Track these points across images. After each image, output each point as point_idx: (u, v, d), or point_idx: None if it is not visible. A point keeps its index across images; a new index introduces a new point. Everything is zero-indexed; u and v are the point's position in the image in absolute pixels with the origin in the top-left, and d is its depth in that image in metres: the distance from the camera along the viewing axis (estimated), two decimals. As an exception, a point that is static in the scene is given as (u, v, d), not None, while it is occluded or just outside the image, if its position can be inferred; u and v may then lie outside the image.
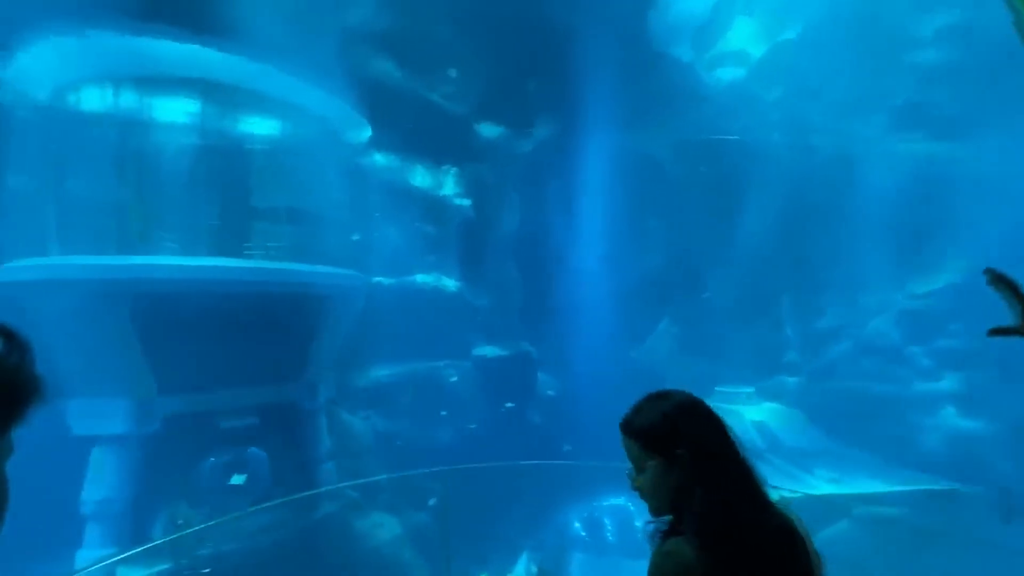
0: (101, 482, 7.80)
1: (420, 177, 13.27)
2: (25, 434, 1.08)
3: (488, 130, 13.65)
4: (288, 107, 9.53)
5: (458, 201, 13.82)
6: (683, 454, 1.42)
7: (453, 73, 12.48)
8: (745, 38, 14.46)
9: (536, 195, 14.05)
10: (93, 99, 8.27)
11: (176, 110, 8.59)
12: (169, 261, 8.32)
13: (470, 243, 13.64)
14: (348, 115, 10.39)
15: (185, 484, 8.34)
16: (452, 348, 13.15)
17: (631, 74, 12.93)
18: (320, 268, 9.61)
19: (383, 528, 9.69)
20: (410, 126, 11.83)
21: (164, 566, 7.55)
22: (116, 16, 7.33)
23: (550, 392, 14.28)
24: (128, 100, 8.32)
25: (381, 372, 12.08)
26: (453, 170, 13.58)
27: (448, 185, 13.65)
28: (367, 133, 11.21)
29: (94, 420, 7.97)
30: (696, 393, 1.54)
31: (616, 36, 12.24)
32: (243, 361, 8.80)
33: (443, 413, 12.43)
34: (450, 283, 13.67)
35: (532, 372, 14.42)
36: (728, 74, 14.42)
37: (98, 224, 8.40)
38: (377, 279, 11.90)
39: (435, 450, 11.25)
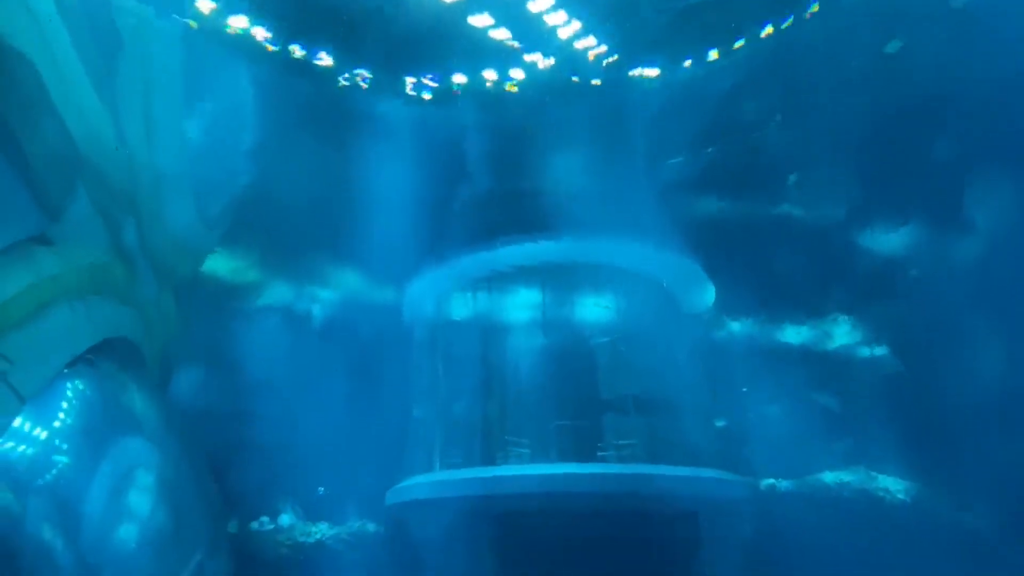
0: None
1: (791, 332, 9.68)
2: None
3: (880, 239, 9.12)
4: (623, 277, 9.10)
5: (865, 352, 9.20)
6: None
7: (793, 176, 9.86)
8: None
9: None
10: (461, 309, 9.50)
11: (522, 306, 9.18)
12: (522, 471, 7.72)
13: (910, 416, 8.42)
14: (685, 273, 9.11)
15: None
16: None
17: None
18: (680, 469, 7.38)
19: None
20: (761, 263, 9.31)
21: None
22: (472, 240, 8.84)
23: None
24: (484, 304, 9.32)
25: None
26: (842, 314, 9.48)
27: (841, 333, 9.44)
28: (711, 294, 9.41)
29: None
30: None
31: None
32: None
33: None
34: (892, 484, 8.40)
35: None
36: None
37: (468, 439, 8.76)
38: (768, 482, 8.39)
39: None
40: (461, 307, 9.70)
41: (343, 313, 10.46)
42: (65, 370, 6.11)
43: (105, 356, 6.65)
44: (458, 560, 7.35)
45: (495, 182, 9.98)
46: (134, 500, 6.50)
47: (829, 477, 8.77)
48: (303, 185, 10.07)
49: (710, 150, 10.44)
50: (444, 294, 9.81)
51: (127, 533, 6.31)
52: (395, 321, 10.09)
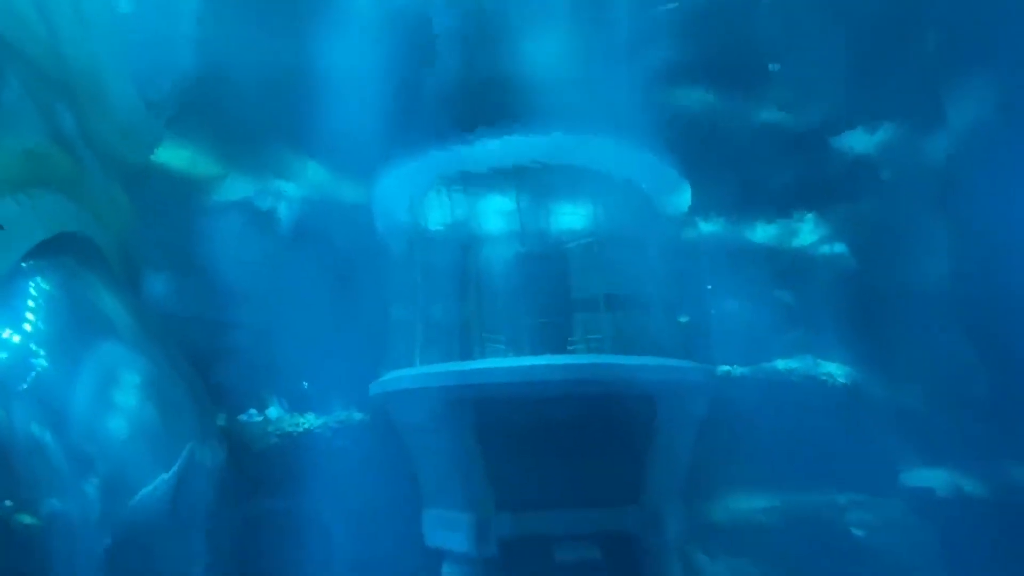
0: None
1: (761, 230, 10.18)
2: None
3: (858, 140, 9.58)
4: (601, 179, 8.93)
5: (825, 250, 9.87)
6: None
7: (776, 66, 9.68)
8: None
9: (980, 217, 8.66)
10: (436, 215, 9.29)
11: (498, 210, 9.04)
12: (500, 364, 8.12)
13: (858, 308, 9.31)
14: (663, 176, 9.02)
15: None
16: (860, 473, 8.72)
17: None
18: (642, 359, 7.95)
19: None
20: (737, 165, 9.38)
21: None
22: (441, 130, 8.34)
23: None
24: (460, 209, 9.17)
25: (749, 504, 8.90)
26: (809, 211, 9.94)
27: (805, 231, 9.99)
28: (687, 197, 9.47)
29: (443, 532, 7.90)
30: None
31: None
32: (572, 473, 7.80)
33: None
34: (835, 369, 9.50)
35: None
36: None
37: (446, 338, 9.04)
38: (724, 369, 9.23)
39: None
40: (436, 213, 9.46)
41: (312, 214, 10.06)
42: (23, 264, 5.97)
43: (62, 252, 6.45)
44: (439, 441, 7.94)
45: (468, 69, 9.26)
46: (120, 397, 6.63)
47: (780, 364, 9.70)
48: (256, 66, 9.16)
49: (693, 35, 9.88)
50: (418, 199, 9.51)
51: (117, 425, 6.50)
52: (367, 224, 9.83)
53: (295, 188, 10.17)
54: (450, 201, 9.35)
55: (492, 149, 8.58)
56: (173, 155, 9.08)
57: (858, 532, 8.61)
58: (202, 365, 8.28)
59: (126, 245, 8.11)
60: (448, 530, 7.87)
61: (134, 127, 8.14)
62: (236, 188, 9.67)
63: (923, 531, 8.54)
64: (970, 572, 7.72)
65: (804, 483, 9.01)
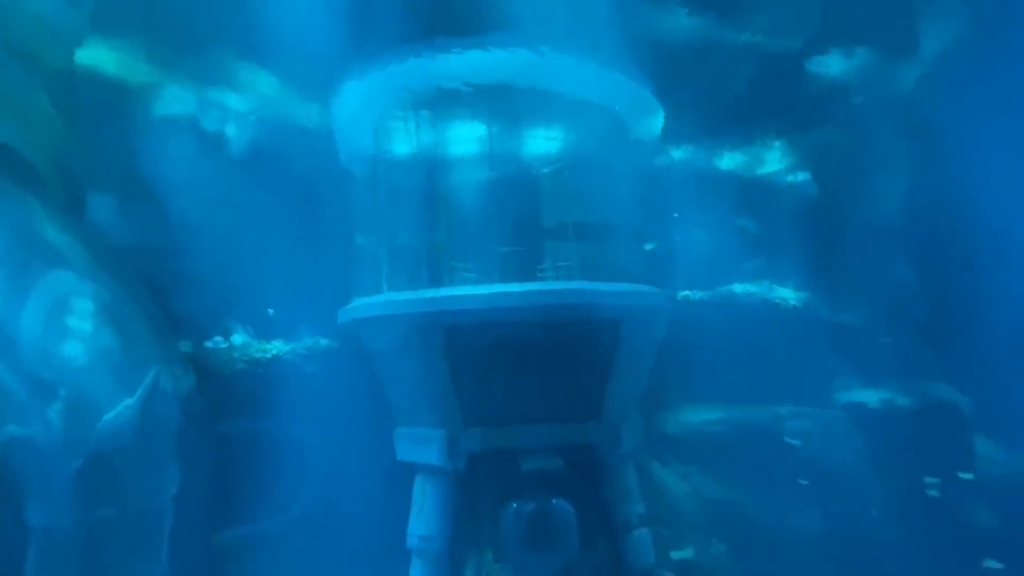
0: (422, 516, 7.92)
1: (729, 158, 10.20)
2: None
3: (833, 64, 9.44)
4: (573, 103, 8.60)
5: (789, 178, 10.06)
6: None
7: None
8: None
9: (938, 147, 8.94)
10: (399, 135, 8.87)
11: (466, 136, 8.68)
12: (470, 291, 8.15)
13: (816, 235, 9.67)
14: (638, 99, 8.75)
15: (491, 530, 7.81)
16: (802, 388, 9.47)
17: None
18: (607, 285, 8.15)
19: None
20: (710, 89, 9.18)
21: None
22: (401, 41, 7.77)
23: (1003, 472, 8.72)
24: (426, 134, 8.76)
25: (700, 416, 9.59)
26: (778, 139, 9.97)
27: (772, 160, 10.09)
28: (659, 120, 9.29)
29: (415, 448, 8.25)
30: None
31: None
32: (537, 392, 8.13)
33: (803, 483, 8.89)
34: (788, 293, 9.99)
35: (964, 437, 9.10)
36: None
37: (414, 265, 8.96)
38: (684, 294, 9.58)
39: (797, 539, 7.98)
40: (400, 135, 9.01)
41: (268, 136, 9.44)
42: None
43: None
44: (410, 366, 8.09)
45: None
46: (74, 323, 6.42)
47: (738, 288, 10.15)
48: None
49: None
50: (381, 120, 9.00)
51: (74, 351, 6.35)
52: (326, 147, 9.32)
53: (245, 103, 9.43)
54: (415, 123, 8.90)
55: (460, 65, 8.09)
56: (100, 56, 8.13)
57: (794, 441, 9.51)
58: (158, 292, 8.02)
59: (61, 164, 7.48)
60: (420, 445, 8.20)
61: (51, 20, 7.26)
62: (177, 100, 8.87)
63: (854, 439, 9.50)
64: (892, 473, 8.77)
65: (751, 397, 9.76)
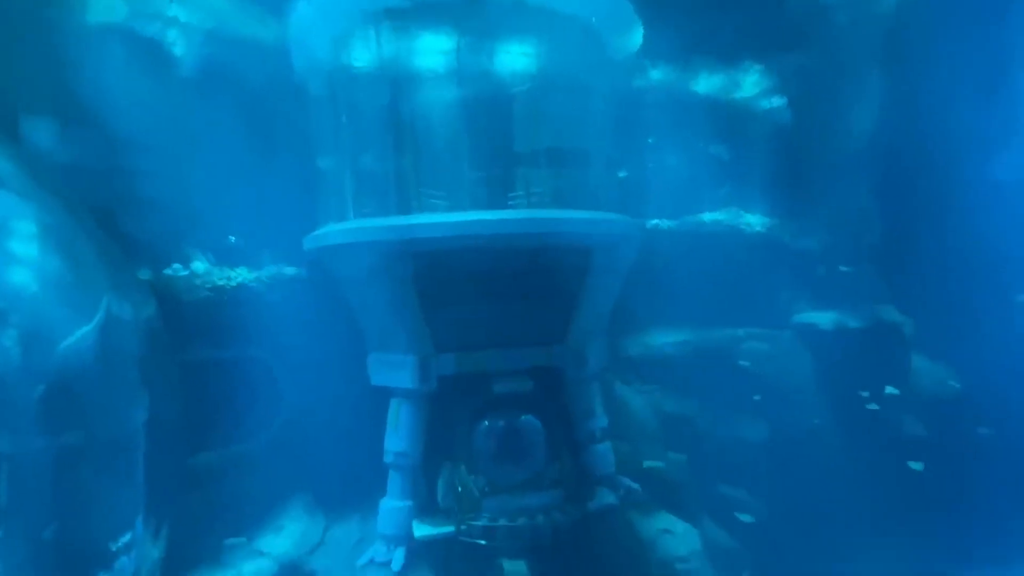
0: (397, 434, 8.20)
1: (704, 81, 9.91)
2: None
3: None
4: (547, 14, 8.08)
5: (765, 104, 9.92)
6: None
7: None
8: None
9: (913, 75, 8.87)
10: (361, 50, 8.28)
11: (434, 50, 8.13)
12: (440, 219, 7.99)
13: (786, 162, 9.74)
14: (616, 11, 8.26)
15: (464, 445, 8.19)
16: (761, 311, 9.91)
17: None
18: (580, 214, 8.11)
19: (675, 538, 7.85)
20: (689, 6, 8.75)
21: (447, 528, 7.68)
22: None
23: (933, 386, 9.52)
24: (389, 48, 8.17)
25: (662, 339, 9.99)
26: (755, 63, 9.71)
27: (749, 83, 9.88)
28: (638, 36, 8.87)
29: (388, 372, 8.38)
30: None
31: None
32: (507, 318, 8.30)
33: (756, 398, 9.52)
34: (754, 220, 10.17)
35: (903, 355, 9.78)
36: None
37: (381, 190, 8.66)
38: (654, 222, 9.65)
39: (747, 448, 8.67)
40: (362, 50, 8.34)
41: (217, 51, 8.66)
42: None
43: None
44: (380, 293, 8.03)
45: None
46: (17, 247, 6.04)
47: (707, 216, 10.30)
48: None
49: None
50: (340, 32, 8.31)
51: (21, 277, 6.03)
52: (283, 63, 8.65)
53: (186, 13, 8.54)
54: (377, 34, 8.26)
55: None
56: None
57: (745, 363, 10.09)
58: (107, 216, 7.58)
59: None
60: (393, 370, 8.33)
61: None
62: (107, 6, 7.96)
63: (803, 358, 10.14)
64: (835, 388, 9.48)
65: (710, 320, 10.20)
